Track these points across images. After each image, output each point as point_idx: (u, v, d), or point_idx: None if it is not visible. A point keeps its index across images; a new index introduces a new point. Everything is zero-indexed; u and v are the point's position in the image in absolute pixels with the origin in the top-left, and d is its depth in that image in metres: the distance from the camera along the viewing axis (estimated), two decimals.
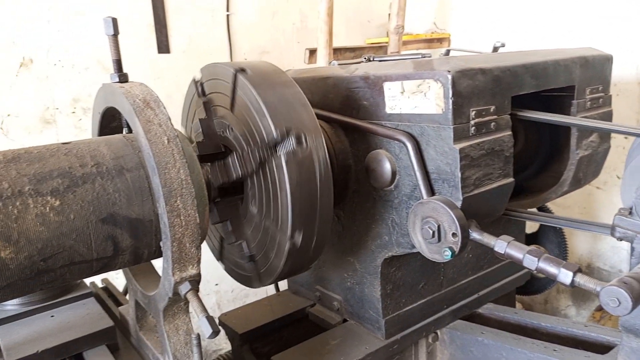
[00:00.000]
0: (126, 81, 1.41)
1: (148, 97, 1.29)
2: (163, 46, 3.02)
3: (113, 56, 1.40)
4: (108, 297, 2.11)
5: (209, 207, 1.55)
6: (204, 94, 1.70)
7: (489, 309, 2.11)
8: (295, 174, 1.40)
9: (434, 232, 1.39)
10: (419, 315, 1.88)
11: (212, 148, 1.59)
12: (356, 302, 1.89)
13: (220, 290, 3.59)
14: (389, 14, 3.46)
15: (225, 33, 3.31)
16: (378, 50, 3.63)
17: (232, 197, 1.62)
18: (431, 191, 1.46)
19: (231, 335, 2.06)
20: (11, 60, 2.56)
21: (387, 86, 1.53)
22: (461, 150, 1.36)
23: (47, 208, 1.18)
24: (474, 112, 1.40)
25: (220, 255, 1.81)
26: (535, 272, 1.29)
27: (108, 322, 1.72)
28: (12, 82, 2.58)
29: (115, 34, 1.38)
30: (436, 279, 1.93)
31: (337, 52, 3.24)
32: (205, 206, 1.41)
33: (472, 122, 1.39)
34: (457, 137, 1.37)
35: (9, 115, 2.60)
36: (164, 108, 1.29)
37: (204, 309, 1.23)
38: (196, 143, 1.57)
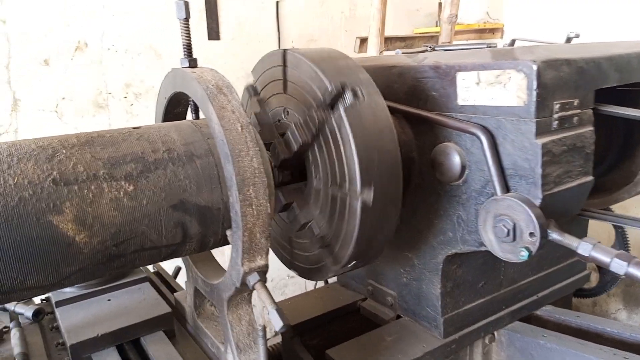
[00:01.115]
0: (196, 66, 1.38)
1: (220, 82, 1.27)
2: (213, 33, 3.00)
3: (184, 40, 1.38)
4: (161, 282, 2.11)
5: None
6: (256, 92, 1.67)
7: (547, 311, 2.03)
8: (357, 125, 1.34)
9: (508, 231, 1.33)
10: (477, 314, 1.82)
11: (268, 135, 1.56)
12: (412, 298, 1.84)
13: (274, 278, 3.60)
14: (440, 3, 3.36)
15: (274, 20, 3.27)
16: (428, 40, 3.54)
17: (297, 184, 1.58)
18: (506, 188, 1.39)
19: None
20: (67, 44, 2.58)
21: (461, 76, 1.46)
22: (543, 146, 1.29)
23: (122, 193, 1.17)
24: (557, 105, 1.32)
25: (291, 261, 1.76)
26: (623, 276, 1.22)
27: (165, 308, 1.72)
28: (67, 65, 2.61)
29: (187, 18, 1.36)
30: (496, 278, 1.86)
31: (387, 41, 3.17)
32: (272, 195, 1.38)
33: (556, 116, 1.32)
34: (540, 132, 1.30)
35: (63, 98, 2.63)
36: (237, 94, 1.26)
37: (274, 301, 1.20)
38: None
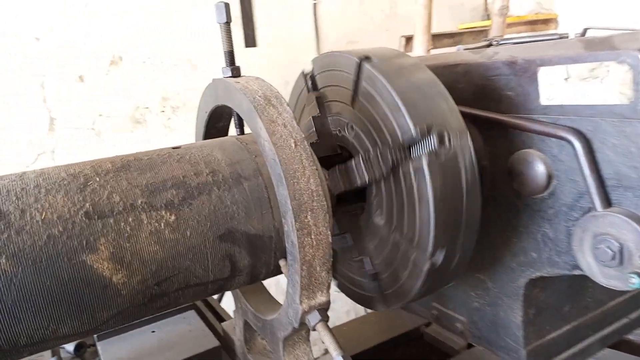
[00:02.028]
0: (239, 75, 1.23)
1: (268, 92, 1.11)
2: (250, 40, 2.87)
3: (225, 47, 1.23)
4: (207, 308, 1.97)
5: None
6: (315, 88, 1.50)
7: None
8: (439, 180, 1.16)
9: (614, 254, 1.11)
10: (563, 343, 1.59)
11: (327, 149, 1.39)
12: (486, 326, 1.62)
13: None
14: None
15: (311, 23, 3.12)
16: (476, 35, 3.31)
17: (351, 206, 1.41)
18: (607, 202, 1.17)
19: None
20: (101, 59, 2.50)
21: (544, 72, 1.25)
22: None
23: (162, 224, 1.02)
24: None
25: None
26: None
27: (213, 342, 1.58)
28: (103, 80, 2.53)
29: (228, 22, 1.21)
30: (582, 300, 1.63)
31: (434, 38, 2.96)
32: (330, 219, 1.21)
33: None
34: None
35: (100, 115, 2.55)
36: (288, 106, 1.09)
37: (339, 346, 1.03)
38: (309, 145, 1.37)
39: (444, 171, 1.17)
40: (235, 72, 1.22)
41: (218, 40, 2.79)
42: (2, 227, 0.90)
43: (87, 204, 0.97)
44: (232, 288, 1.20)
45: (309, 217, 1.01)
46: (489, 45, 1.68)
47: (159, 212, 1.02)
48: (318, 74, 1.48)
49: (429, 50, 2.74)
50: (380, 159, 1.25)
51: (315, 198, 1.02)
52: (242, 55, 2.92)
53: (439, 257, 1.21)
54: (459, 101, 1.49)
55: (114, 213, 0.98)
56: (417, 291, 1.27)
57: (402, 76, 1.25)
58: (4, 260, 0.88)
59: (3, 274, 0.88)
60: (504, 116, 1.37)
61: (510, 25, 3.30)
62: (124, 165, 1.07)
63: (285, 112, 1.07)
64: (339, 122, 1.40)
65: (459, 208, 1.21)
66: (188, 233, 1.04)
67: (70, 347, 1.68)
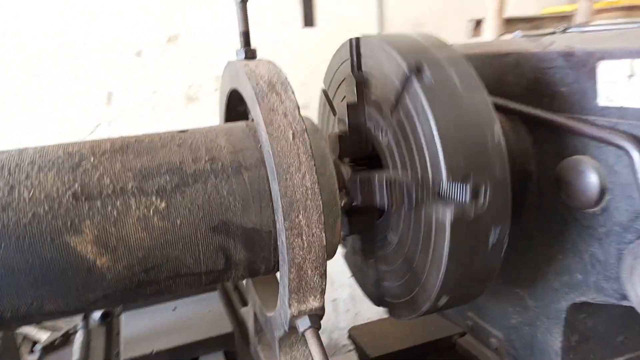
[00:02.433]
0: (254, 57, 1.15)
1: (275, 78, 1.02)
2: (308, 19, 2.77)
3: (241, 27, 1.16)
4: (234, 290, 1.95)
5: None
6: (359, 67, 1.31)
7: None
8: (460, 237, 1.05)
9: None
10: None
11: (357, 146, 1.27)
12: (523, 346, 1.46)
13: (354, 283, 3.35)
14: None
15: (375, 2, 2.96)
16: (559, 21, 2.97)
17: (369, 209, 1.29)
18: None
19: (361, 355, 1.77)
20: (159, 37, 2.53)
21: (604, 67, 1.06)
22: None
23: (151, 211, 0.98)
24: None
25: (377, 294, 1.49)
26: None
27: (227, 327, 1.55)
28: (159, 58, 2.56)
29: (244, 1, 1.13)
30: None
31: (508, 23, 2.70)
32: (336, 217, 1.12)
33: None
34: None
35: (154, 92, 2.59)
36: (293, 93, 1.00)
37: (324, 358, 0.94)
38: (337, 136, 1.26)
39: (470, 229, 1.05)
40: (250, 54, 1.14)
41: (272, 17, 2.73)
42: (21, 197, 0.90)
43: (77, 185, 0.95)
44: (232, 280, 1.15)
45: (300, 216, 0.93)
46: (553, 32, 1.47)
47: (149, 198, 0.98)
48: (340, 63, 1.37)
49: (500, 35, 2.50)
50: (405, 192, 1.12)
51: (310, 197, 0.93)
52: (300, 35, 2.84)
53: (442, 301, 1.10)
54: (507, 95, 1.33)
55: (102, 196, 0.96)
56: (424, 312, 1.15)
57: (450, 102, 1.07)
58: None
59: None
60: (556, 115, 1.18)
61: (601, 11, 2.94)
62: (123, 147, 1.04)
63: (289, 100, 0.98)
64: (375, 121, 1.26)
65: (476, 266, 1.10)
66: (178, 222, 0.99)
67: (97, 314, 1.73)
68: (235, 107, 1.34)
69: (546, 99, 1.22)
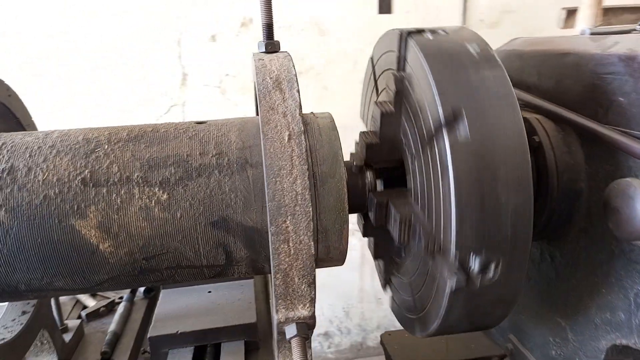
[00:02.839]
0: (275, 51, 1.12)
1: (284, 75, 0.98)
2: (384, 5, 2.67)
3: (263, 19, 1.12)
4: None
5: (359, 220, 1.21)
6: (403, 67, 1.17)
7: None
8: (459, 304, 0.96)
9: None
10: None
11: (384, 157, 1.18)
12: None
13: None
14: None
15: None
16: None
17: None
18: None
19: None
20: (233, 20, 2.58)
21: None
22: None
23: (153, 201, 1.00)
24: None
25: (385, 282, 1.43)
26: None
27: (251, 318, 1.56)
28: (232, 41, 2.62)
29: None
30: None
31: (608, 13, 2.39)
32: (344, 223, 1.06)
33: None
34: None
35: (227, 74, 2.66)
36: (297, 92, 0.96)
37: None
38: (365, 144, 1.17)
39: (472, 300, 0.96)
40: (270, 48, 1.11)
41: (347, 2, 2.65)
42: (9, 181, 0.97)
43: (87, 171, 0.99)
44: (234, 276, 1.14)
45: (288, 222, 0.89)
46: (634, 29, 1.27)
47: (152, 189, 1.00)
48: (381, 54, 1.29)
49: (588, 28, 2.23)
50: (417, 235, 1.04)
51: (300, 202, 0.89)
52: (375, 23, 2.74)
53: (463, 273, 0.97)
54: (564, 101, 1.18)
55: (109, 183, 0.99)
56: (443, 318, 1.04)
57: (479, 172, 0.92)
58: (3, 213, 0.95)
59: (1, 225, 0.95)
60: (610, 130, 1.02)
61: None
62: (138, 136, 1.06)
63: (292, 99, 0.94)
64: (407, 133, 1.14)
65: (476, 317, 1.02)
66: (178, 214, 1.00)
67: (142, 287, 1.84)
68: None
69: (601, 109, 1.06)
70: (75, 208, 0.98)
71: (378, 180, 1.18)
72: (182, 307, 1.64)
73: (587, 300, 1.17)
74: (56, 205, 0.97)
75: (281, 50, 1.14)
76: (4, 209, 0.96)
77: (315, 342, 3.26)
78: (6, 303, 1.27)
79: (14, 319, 1.23)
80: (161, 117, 2.66)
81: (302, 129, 0.91)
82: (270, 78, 0.97)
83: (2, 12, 2.41)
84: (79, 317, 1.69)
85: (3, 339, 1.15)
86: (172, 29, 2.54)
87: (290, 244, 0.90)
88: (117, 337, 1.57)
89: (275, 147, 0.90)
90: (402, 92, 1.15)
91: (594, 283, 1.14)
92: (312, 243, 0.90)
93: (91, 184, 0.99)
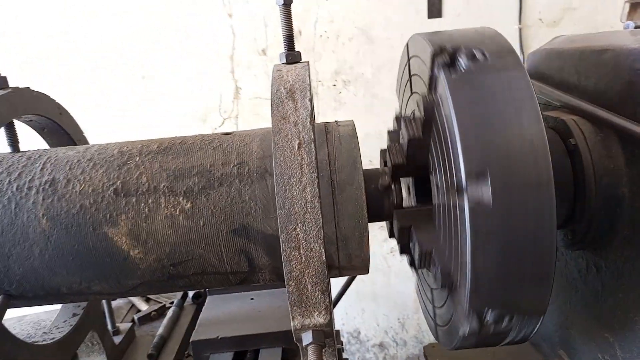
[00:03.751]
0: (296, 62, 1.14)
1: (298, 85, 1.00)
2: (434, 9, 2.63)
3: (284, 31, 1.15)
4: None
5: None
6: (434, 88, 1.05)
7: None
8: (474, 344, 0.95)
9: None
10: None
11: (410, 174, 1.15)
12: None
13: None
14: None
15: None
16: None
17: (416, 207, 1.18)
18: None
19: None
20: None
21: None
22: None
23: (177, 210, 1.05)
24: None
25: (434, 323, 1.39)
26: None
27: (289, 325, 1.58)
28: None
29: (287, 3, 1.12)
30: None
31: None
32: (363, 231, 1.06)
33: None
34: None
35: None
36: (310, 101, 0.97)
37: None
38: (393, 166, 1.14)
39: (484, 340, 0.95)
40: (290, 59, 1.13)
41: (396, 7, 2.63)
42: (50, 192, 1.06)
43: (119, 182, 1.06)
44: (260, 283, 1.17)
45: (298, 229, 0.90)
46: None
47: (176, 198, 1.05)
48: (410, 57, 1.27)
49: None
50: (435, 271, 1.03)
51: (309, 210, 0.90)
52: (424, 28, 2.69)
53: (481, 190, 0.90)
54: (603, 101, 1.10)
55: (138, 193, 1.05)
56: (472, 259, 0.96)
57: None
58: (44, 221, 1.04)
59: (42, 232, 1.04)
60: None
61: None
62: (166, 148, 1.12)
63: (304, 108, 0.96)
64: (435, 160, 1.07)
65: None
66: (201, 222, 1.04)
67: (191, 293, 1.92)
68: None
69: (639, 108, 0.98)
70: (108, 217, 1.04)
71: (404, 187, 1.16)
72: (225, 313, 1.70)
73: (634, 315, 1.08)
74: (91, 214, 1.05)
75: (303, 60, 1.16)
76: (45, 217, 1.05)
77: (370, 353, 3.22)
78: (60, 305, 1.38)
79: (65, 320, 1.33)
80: (217, 129, 2.78)
81: (312, 137, 0.92)
82: (285, 88, 0.99)
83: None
84: (132, 320, 1.79)
85: (53, 338, 1.24)
86: (225, 45, 2.65)
87: (302, 252, 0.91)
88: (164, 340, 1.65)
89: (285, 155, 0.91)
90: (430, 119, 1.10)
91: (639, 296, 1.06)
92: (323, 251, 0.90)
93: (122, 194, 1.05)
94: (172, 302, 1.89)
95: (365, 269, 1.15)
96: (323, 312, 0.96)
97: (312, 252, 0.91)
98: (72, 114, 1.35)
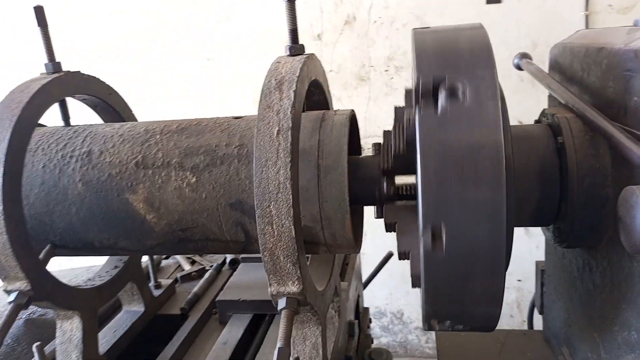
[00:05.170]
0: (298, 54, 1.24)
1: (288, 76, 1.10)
2: None
3: (289, 25, 1.25)
4: (340, 263, 2.08)
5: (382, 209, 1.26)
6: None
7: None
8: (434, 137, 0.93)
9: None
10: None
11: (408, 168, 1.22)
12: None
13: (524, 287, 3.06)
14: None
15: None
16: None
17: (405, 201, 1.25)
18: None
19: None
20: (338, 19, 2.71)
21: None
22: None
23: (185, 183, 1.21)
24: None
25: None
26: None
27: None
28: (336, 39, 2.76)
29: (291, 0, 1.21)
30: None
31: None
32: (345, 213, 1.15)
33: None
34: None
35: (330, 70, 2.81)
36: (294, 92, 1.06)
37: (285, 338, 1.03)
38: (393, 155, 1.20)
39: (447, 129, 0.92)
40: (294, 51, 1.23)
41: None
42: (86, 161, 1.26)
43: (140, 156, 1.24)
44: (258, 252, 1.30)
45: (271, 206, 1.01)
46: None
47: (185, 173, 1.20)
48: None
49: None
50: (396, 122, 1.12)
51: (282, 190, 1.01)
52: (482, 14, 2.64)
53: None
54: (602, 100, 1.09)
55: (154, 166, 1.22)
56: (426, 288, 1.03)
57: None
58: (80, 185, 1.25)
59: (79, 195, 1.25)
60: (620, 132, 0.94)
61: None
62: (183, 128, 1.28)
63: (287, 98, 1.06)
64: None
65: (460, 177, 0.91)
66: (204, 195, 1.19)
67: (229, 258, 2.11)
68: (309, 98, 1.45)
69: (621, 110, 0.97)
70: (129, 185, 1.23)
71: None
72: (252, 279, 1.86)
73: (612, 316, 1.08)
74: (116, 182, 1.23)
75: (309, 52, 1.24)
76: (81, 182, 1.25)
77: (413, 335, 3.28)
78: (106, 258, 1.62)
79: (107, 271, 1.56)
80: None
81: (290, 125, 1.02)
82: (275, 79, 1.10)
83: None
84: (175, 278, 2.02)
85: (94, 284, 1.47)
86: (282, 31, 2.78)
87: (274, 227, 1.02)
88: (197, 297, 1.85)
89: (264, 140, 1.02)
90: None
91: (617, 298, 1.05)
92: (293, 227, 1.01)
93: (142, 167, 1.23)
94: (211, 265, 2.10)
95: (352, 249, 1.25)
96: (296, 282, 1.07)
97: (283, 227, 1.02)
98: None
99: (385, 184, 1.22)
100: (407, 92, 1.21)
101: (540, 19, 2.50)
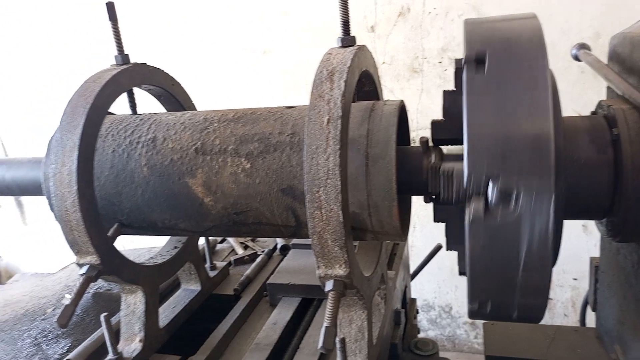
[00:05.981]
0: (350, 45, 1.27)
1: (339, 67, 1.14)
2: None
3: (341, 17, 1.28)
4: (388, 253, 2.11)
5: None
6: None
7: None
8: (481, 242, 0.98)
9: None
10: None
11: (447, 132, 1.25)
12: None
13: (580, 287, 2.96)
14: None
15: None
16: None
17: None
18: None
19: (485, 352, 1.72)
20: (392, 10, 2.72)
21: None
22: None
23: (240, 169, 1.28)
24: None
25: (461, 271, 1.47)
26: None
27: None
28: (389, 31, 2.76)
29: None
30: None
31: None
32: (392, 201, 1.18)
33: None
34: None
35: (383, 62, 2.82)
36: (345, 82, 1.10)
37: (332, 318, 1.08)
38: (431, 122, 1.27)
39: (494, 235, 0.96)
40: (345, 43, 1.26)
41: None
42: (151, 147, 1.35)
43: (199, 143, 1.32)
44: (308, 237, 1.35)
45: (321, 192, 1.06)
46: None
47: (240, 159, 1.27)
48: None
49: None
50: (454, 189, 1.11)
51: (331, 176, 1.05)
52: (542, 3, 2.56)
53: (474, 306, 1.03)
54: None
55: (212, 152, 1.30)
56: (471, 259, 1.06)
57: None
58: (145, 169, 1.35)
59: (144, 178, 1.35)
60: None
61: None
62: (239, 117, 1.35)
63: (338, 88, 1.10)
64: None
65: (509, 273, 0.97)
66: (257, 181, 1.26)
67: (280, 244, 2.18)
68: (361, 89, 1.48)
69: None
70: (189, 170, 1.31)
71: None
72: (301, 264, 1.93)
73: None
74: (177, 166, 1.32)
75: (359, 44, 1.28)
76: (146, 166, 1.35)
77: (462, 329, 3.25)
78: (167, 238, 1.72)
79: (167, 251, 1.66)
80: None
81: (340, 114, 1.06)
82: (327, 70, 1.14)
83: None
84: (229, 261, 2.12)
85: (155, 262, 1.58)
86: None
87: (323, 211, 1.07)
88: (249, 280, 1.94)
89: (315, 129, 1.07)
90: (460, 70, 1.19)
91: None
92: (341, 212, 1.05)
93: (200, 153, 1.31)
94: (263, 251, 2.18)
95: (399, 237, 1.28)
96: (343, 265, 1.12)
97: (332, 212, 1.06)
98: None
99: (435, 177, 1.24)
100: (457, 70, 1.24)
101: (605, 8, 2.40)
